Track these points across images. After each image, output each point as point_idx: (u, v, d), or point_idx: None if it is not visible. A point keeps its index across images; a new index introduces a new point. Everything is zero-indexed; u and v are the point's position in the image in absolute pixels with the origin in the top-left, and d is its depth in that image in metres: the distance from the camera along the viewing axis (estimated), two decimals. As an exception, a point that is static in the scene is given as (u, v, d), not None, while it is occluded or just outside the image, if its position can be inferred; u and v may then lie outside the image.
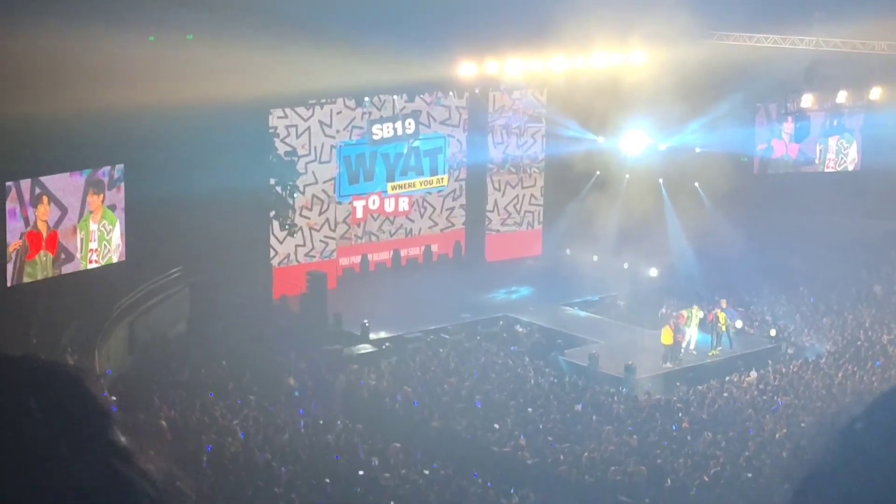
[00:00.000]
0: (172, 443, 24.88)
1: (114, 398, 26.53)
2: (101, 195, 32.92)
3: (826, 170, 46.72)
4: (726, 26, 42.53)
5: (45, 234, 31.56)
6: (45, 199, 31.39)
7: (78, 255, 32.58)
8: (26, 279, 31.05)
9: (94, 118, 30.28)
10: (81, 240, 32.45)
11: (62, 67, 30.73)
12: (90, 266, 32.75)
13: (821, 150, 46.48)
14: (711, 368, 35.32)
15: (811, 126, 43.94)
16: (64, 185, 32.10)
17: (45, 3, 30.33)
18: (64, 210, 32.03)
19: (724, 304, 37.44)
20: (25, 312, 29.67)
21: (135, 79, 31.87)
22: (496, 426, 28.96)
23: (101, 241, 32.98)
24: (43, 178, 31.44)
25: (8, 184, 30.47)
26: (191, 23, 34.73)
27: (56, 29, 29.70)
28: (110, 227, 33.17)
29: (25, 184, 30.95)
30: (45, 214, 31.44)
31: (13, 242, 30.69)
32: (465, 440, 28.51)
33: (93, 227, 32.71)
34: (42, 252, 31.54)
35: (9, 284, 30.48)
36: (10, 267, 30.59)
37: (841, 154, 46.79)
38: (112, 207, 33.23)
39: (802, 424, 29.58)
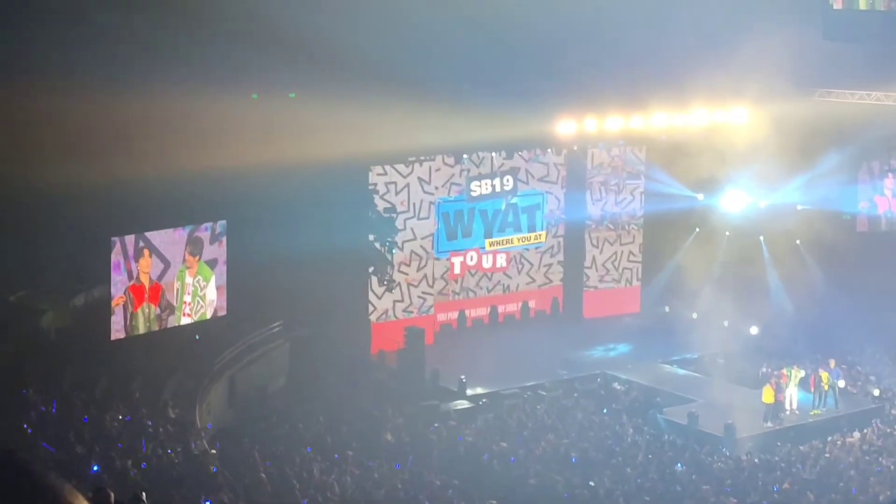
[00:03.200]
0: (272, 497, 25.02)
1: (214, 451, 26.79)
2: (198, 256, 33.28)
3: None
4: (829, 83, 42.21)
5: (147, 287, 32.07)
6: (147, 252, 31.91)
7: (179, 306, 33.06)
8: (131, 332, 31.54)
9: (198, 175, 30.87)
10: (177, 291, 32.88)
11: (167, 126, 31.42)
12: (184, 320, 33.11)
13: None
14: (813, 428, 34.77)
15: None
16: (167, 239, 32.61)
17: (149, 64, 31.02)
18: (167, 264, 32.53)
19: (832, 363, 36.93)
20: (129, 366, 30.12)
21: (238, 136, 32.44)
22: (592, 483, 28.74)
23: (195, 296, 33.36)
24: (147, 234, 31.99)
25: (113, 238, 31.06)
26: (293, 81, 35.28)
27: (162, 89, 30.40)
28: (205, 282, 33.53)
29: (129, 238, 31.52)
30: (147, 267, 31.95)
31: (117, 296, 31.24)
32: (562, 498, 28.32)
33: (188, 280, 33.12)
34: (145, 305, 32.04)
35: (113, 338, 30.98)
36: (114, 320, 31.11)
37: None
38: (212, 262, 33.62)
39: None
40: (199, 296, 33.41)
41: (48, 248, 30.63)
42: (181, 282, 32.93)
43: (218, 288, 33.91)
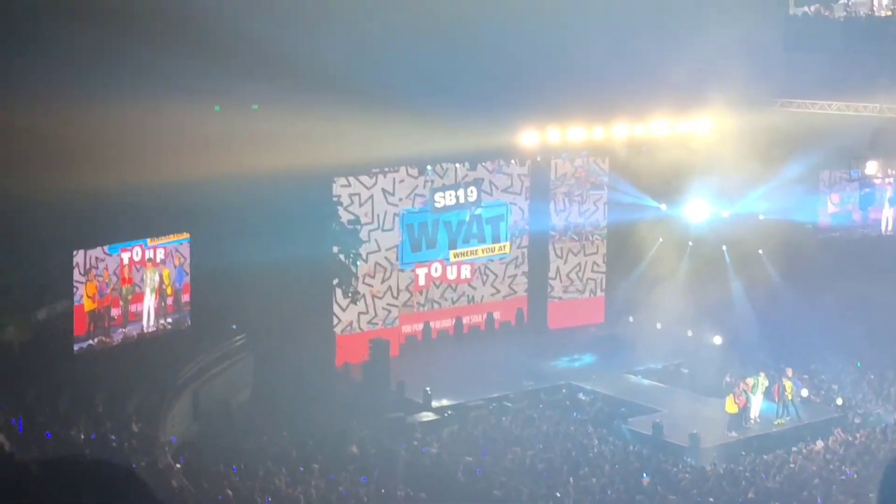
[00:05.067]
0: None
1: (178, 465, 26.65)
2: (162, 264, 33.28)
3: (885, 234, 46.31)
4: (790, 93, 42.47)
5: (109, 300, 31.93)
6: (108, 264, 31.79)
7: (143, 320, 32.97)
8: (93, 346, 31.35)
9: (159, 188, 30.73)
10: (146, 301, 32.87)
11: (129, 139, 31.29)
12: (150, 329, 33.06)
13: (888, 219, 46.11)
14: (777, 437, 34.91)
15: (875, 193, 43.59)
16: (129, 252, 32.51)
17: (111, 76, 30.88)
18: (129, 277, 32.41)
19: (790, 372, 37.09)
20: (92, 380, 29.93)
21: (201, 148, 32.30)
22: (558, 494, 28.75)
23: (162, 298, 33.46)
24: (108, 246, 31.86)
25: (75, 252, 30.90)
26: (256, 93, 35.19)
27: (123, 101, 30.24)
28: (166, 284, 33.60)
29: (92, 252, 31.38)
30: (109, 280, 31.82)
31: (79, 309, 31.06)
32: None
33: (153, 279, 33.10)
34: (107, 318, 31.89)
35: (76, 351, 30.79)
36: (76, 334, 30.92)
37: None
38: (176, 275, 33.59)
39: (871, 495, 29.13)
40: (166, 295, 33.49)
41: (9, 262, 30.41)
42: (149, 287, 32.92)
43: (182, 300, 33.85)
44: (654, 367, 40.46)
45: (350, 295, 39.52)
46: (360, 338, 39.50)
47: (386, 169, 40.96)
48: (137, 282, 32.78)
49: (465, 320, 43.97)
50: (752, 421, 35.62)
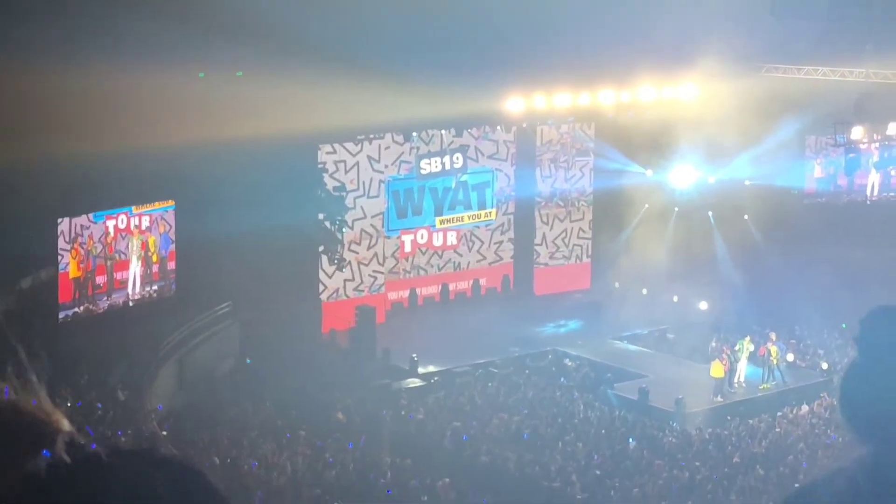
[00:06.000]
0: (222, 479, 24.92)
1: (164, 433, 26.65)
2: (147, 231, 33.27)
3: (871, 199, 46.41)
4: (777, 59, 42.39)
5: (94, 268, 31.86)
6: (92, 232, 31.72)
7: (128, 288, 32.95)
8: (78, 314, 31.28)
9: (144, 155, 30.59)
10: (131, 265, 32.88)
11: (113, 105, 31.09)
12: (135, 297, 33.04)
13: (874, 184, 46.19)
14: (763, 402, 35.02)
15: (861, 158, 43.61)
16: (114, 219, 32.45)
17: (94, 41, 30.67)
18: (111, 245, 32.35)
19: (773, 337, 37.17)
20: (77, 349, 29.84)
21: (185, 115, 32.14)
22: (544, 460, 28.83)
23: (148, 265, 33.46)
24: (93, 214, 31.78)
25: (59, 219, 30.80)
26: (240, 59, 35.00)
27: (107, 67, 30.03)
28: (152, 251, 33.58)
29: (76, 220, 31.29)
30: (92, 247, 31.75)
31: (64, 277, 30.98)
32: (515, 475, 28.37)
33: (137, 246, 33.08)
34: (91, 285, 31.83)
35: (60, 320, 30.72)
36: (61, 302, 30.85)
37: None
38: (161, 242, 33.57)
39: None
40: (151, 262, 33.49)
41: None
42: (134, 255, 32.94)
43: (168, 268, 33.81)
44: (639, 333, 40.54)
45: (336, 262, 39.47)
46: (346, 305, 39.50)
47: (371, 136, 40.87)
48: (122, 249, 32.72)
49: (451, 287, 43.97)
50: (738, 385, 35.74)
